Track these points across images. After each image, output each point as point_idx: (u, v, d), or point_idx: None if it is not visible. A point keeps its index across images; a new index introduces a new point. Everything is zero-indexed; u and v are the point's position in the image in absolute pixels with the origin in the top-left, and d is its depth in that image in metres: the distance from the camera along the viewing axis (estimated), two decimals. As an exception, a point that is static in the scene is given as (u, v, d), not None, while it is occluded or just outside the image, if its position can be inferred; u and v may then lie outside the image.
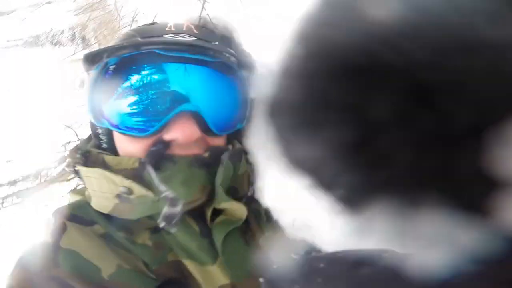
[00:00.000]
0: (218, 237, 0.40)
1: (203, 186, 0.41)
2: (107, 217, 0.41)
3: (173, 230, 0.39)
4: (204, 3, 0.53)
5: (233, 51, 0.46)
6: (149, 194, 0.38)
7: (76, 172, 0.43)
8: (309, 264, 0.21)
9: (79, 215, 0.42)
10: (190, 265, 0.40)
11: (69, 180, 1.81)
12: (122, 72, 0.42)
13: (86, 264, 0.38)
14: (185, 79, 0.41)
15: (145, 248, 0.40)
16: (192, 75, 0.42)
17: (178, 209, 0.37)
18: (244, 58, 0.46)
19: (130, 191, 0.38)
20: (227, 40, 0.49)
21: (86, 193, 0.44)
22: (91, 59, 0.43)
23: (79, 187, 0.48)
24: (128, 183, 0.38)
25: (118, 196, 0.39)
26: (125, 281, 0.38)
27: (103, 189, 0.40)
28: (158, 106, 0.41)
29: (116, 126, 0.42)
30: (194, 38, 0.45)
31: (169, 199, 0.37)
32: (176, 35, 0.45)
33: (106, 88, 0.42)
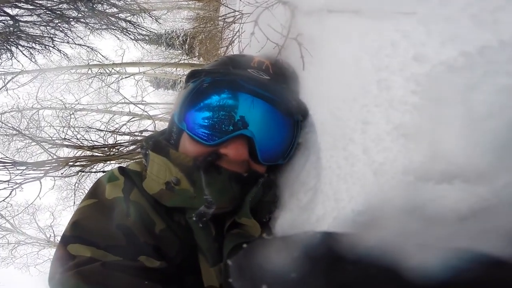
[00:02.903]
0: (228, 246, 0.44)
1: (234, 198, 0.48)
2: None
3: (199, 225, 0.46)
4: (281, 49, 0.63)
5: (295, 96, 0.53)
6: (191, 190, 0.45)
7: (145, 155, 0.52)
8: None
9: (137, 181, 0.51)
10: (201, 257, 0.47)
11: (133, 159, 2.23)
12: (209, 90, 0.52)
13: (147, 217, 0.46)
14: (250, 109, 0.50)
15: (180, 225, 0.49)
16: (257, 108, 0.50)
17: (211, 211, 0.45)
18: (302, 105, 0.52)
19: (178, 182, 0.46)
20: (293, 84, 0.57)
21: (143, 173, 0.52)
22: (193, 74, 0.54)
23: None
24: (180, 175, 0.46)
25: (167, 183, 0.47)
26: (170, 237, 0.46)
27: (159, 174, 0.48)
28: (223, 126, 0.49)
29: (190, 130, 0.51)
30: (268, 78, 0.53)
31: (208, 201, 0.45)
32: (257, 71, 0.53)
33: (194, 99, 0.52)
